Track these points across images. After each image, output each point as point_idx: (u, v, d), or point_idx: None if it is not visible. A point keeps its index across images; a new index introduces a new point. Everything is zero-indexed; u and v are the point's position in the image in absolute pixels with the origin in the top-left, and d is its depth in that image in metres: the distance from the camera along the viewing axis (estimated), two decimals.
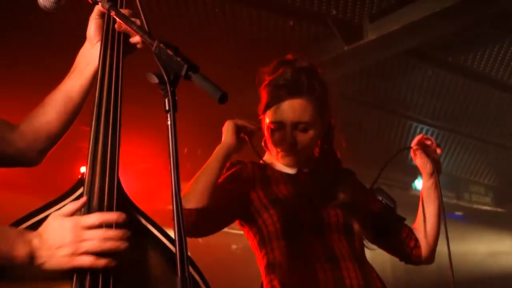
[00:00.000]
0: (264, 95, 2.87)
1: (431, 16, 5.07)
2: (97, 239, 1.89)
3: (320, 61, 5.31)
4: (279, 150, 2.88)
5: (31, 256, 1.85)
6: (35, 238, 1.87)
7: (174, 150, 1.74)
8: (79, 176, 2.10)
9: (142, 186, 6.02)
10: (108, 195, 2.03)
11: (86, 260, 1.88)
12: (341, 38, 5.48)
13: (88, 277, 1.92)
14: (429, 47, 5.97)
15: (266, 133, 2.90)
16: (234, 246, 8.22)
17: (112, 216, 1.96)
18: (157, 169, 6.38)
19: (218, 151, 2.79)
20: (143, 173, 6.50)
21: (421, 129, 7.77)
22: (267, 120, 2.85)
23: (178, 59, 1.76)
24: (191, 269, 1.97)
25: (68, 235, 1.88)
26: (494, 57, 6.27)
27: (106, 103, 2.16)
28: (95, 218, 1.93)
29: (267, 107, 2.84)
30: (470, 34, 5.80)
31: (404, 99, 7.06)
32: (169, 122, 1.76)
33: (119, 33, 2.30)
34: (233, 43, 5.42)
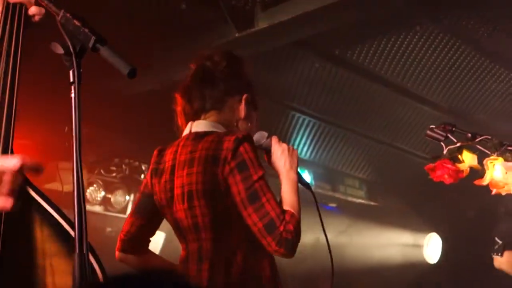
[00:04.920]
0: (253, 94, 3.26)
1: (322, 9, 5.12)
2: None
3: (211, 47, 5.28)
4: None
5: None
6: None
7: (77, 124, 1.69)
8: None
9: None
10: None
11: None
12: (232, 25, 5.47)
13: None
14: (318, 39, 6.04)
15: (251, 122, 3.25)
16: (109, 229, 8.09)
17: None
18: (35, 146, 6.19)
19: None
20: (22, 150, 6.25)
21: (303, 120, 7.87)
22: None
23: (86, 30, 1.71)
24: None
25: None
26: (379, 53, 6.43)
27: (3, 75, 2.08)
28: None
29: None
30: (358, 29, 5.92)
31: (289, 89, 7.13)
32: (73, 95, 1.71)
33: (21, 4, 2.22)
34: (127, 23, 5.31)
